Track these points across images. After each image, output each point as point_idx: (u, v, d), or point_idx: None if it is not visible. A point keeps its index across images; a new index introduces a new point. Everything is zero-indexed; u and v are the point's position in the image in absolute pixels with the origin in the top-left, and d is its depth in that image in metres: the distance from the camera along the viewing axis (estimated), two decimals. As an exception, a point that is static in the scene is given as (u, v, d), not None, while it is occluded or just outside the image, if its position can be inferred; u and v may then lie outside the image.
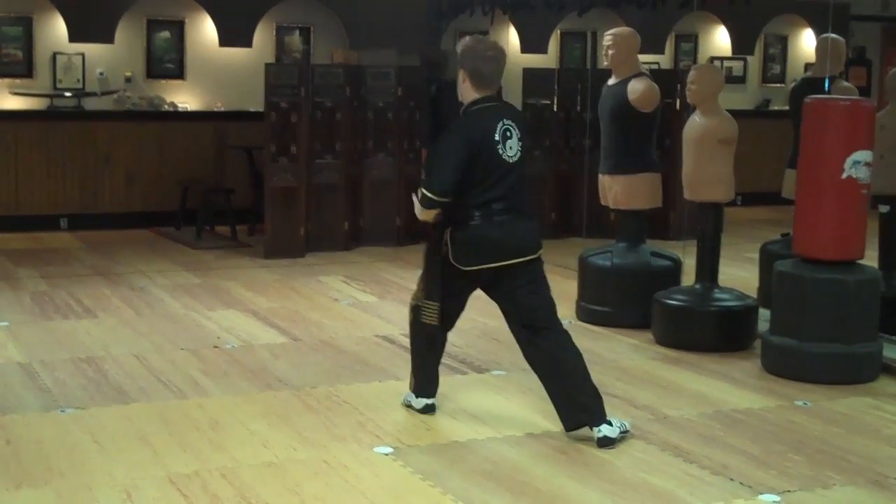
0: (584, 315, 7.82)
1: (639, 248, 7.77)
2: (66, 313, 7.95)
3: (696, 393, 6.23)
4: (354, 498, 4.63)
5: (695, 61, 14.71)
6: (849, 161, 6.34)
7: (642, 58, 8.30)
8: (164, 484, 4.72)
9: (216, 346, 7.06)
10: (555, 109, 11.81)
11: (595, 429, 5.25)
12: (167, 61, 12.63)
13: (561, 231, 11.52)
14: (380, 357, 6.90)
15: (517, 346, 7.10)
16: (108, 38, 12.21)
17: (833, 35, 8.00)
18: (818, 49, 8.30)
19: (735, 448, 5.30)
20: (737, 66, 15.41)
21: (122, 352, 6.88)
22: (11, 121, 11.55)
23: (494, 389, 6.23)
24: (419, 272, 9.64)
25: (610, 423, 5.27)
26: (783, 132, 9.05)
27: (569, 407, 5.32)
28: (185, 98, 12.58)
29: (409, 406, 5.77)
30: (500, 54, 5.43)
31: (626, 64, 7.70)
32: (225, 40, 12.70)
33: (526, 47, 14.11)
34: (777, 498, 4.70)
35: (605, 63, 7.94)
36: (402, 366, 6.62)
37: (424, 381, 5.75)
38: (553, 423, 5.58)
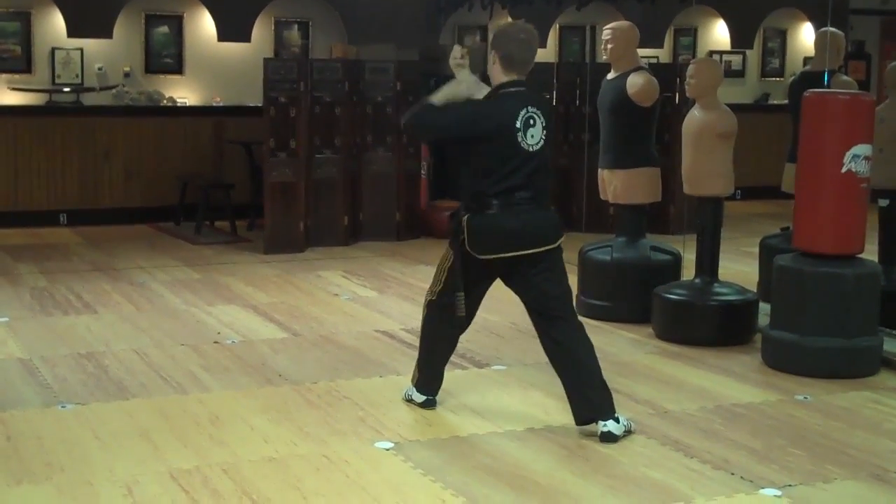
0: (584, 309, 7.80)
1: (638, 243, 7.77)
2: (66, 309, 7.95)
3: (697, 387, 6.24)
4: (355, 493, 4.63)
5: (694, 55, 14.71)
6: (848, 155, 6.33)
7: (641, 52, 8.30)
8: (164, 479, 4.72)
9: (216, 342, 7.06)
10: (554, 104, 11.80)
11: (601, 423, 5.25)
12: (166, 56, 12.62)
13: (560, 225, 11.49)
14: (380, 352, 6.90)
15: (517, 341, 7.14)
16: (106, 32, 12.20)
17: (832, 29, 7.99)
18: (817, 43, 8.29)
19: (736, 442, 5.31)
20: (736, 59, 15.41)
21: (122, 347, 6.88)
22: (10, 116, 11.54)
23: (495, 384, 6.23)
24: (419, 267, 9.71)
25: (617, 420, 5.25)
26: (782, 126, 9.06)
27: (578, 401, 5.32)
28: (183, 93, 12.58)
29: (409, 400, 5.77)
30: (532, 38, 5.43)
31: (626, 58, 7.70)
32: (223, 35, 12.69)
33: (525, 42, 14.07)
34: (778, 492, 4.70)
35: (604, 57, 7.93)
36: (403, 360, 6.63)
37: (430, 377, 5.73)
38: (554, 418, 5.59)
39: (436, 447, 5.19)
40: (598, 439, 5.24)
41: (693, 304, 7.16)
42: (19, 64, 12.04)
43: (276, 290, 8.72)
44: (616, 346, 7.08)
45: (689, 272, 7.60)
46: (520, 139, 5.26)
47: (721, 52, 15.15)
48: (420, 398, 5.73)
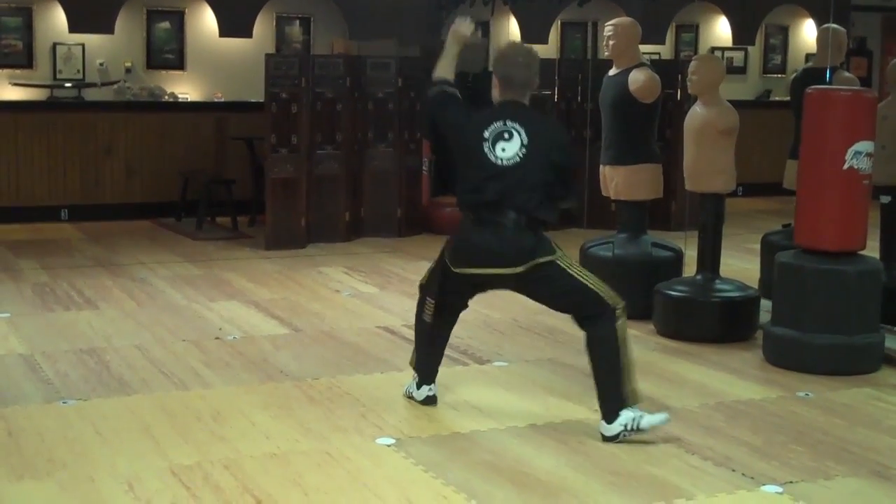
0: (586, 306, 7.81)
1: (640, 239, 7.76)
2: (68, 304, 7.95)
3: (698, 384, 6.23)
4: (356, 489, 4.63)
5: (696, 52, 14.70)
6: (850, 152, 6.33)
7: (643, 48, 8.29)
8: (166, 475, 4.72)
9: (217, 338, 7.06)
10: (555, 100, 11.80)
11: (602, 421, 5.25)
12: (167, 52, 12.63)
13: (562, 222, 11.47)
14: (381, 348, 6.90)
15: (518, 337, 7.14)
16: (108, 28, 12.21)
17: (834, 25, 7.99)
18: (819, 39, 8.29)
19: (737, 439, 5.31)
20: (738, 56, 15.40)
21: (123, 343, 6.88)
22: (11, 112, 11.54)
23: (496, 381, 6.23)
24: (420, 263, 9.70)
25: (610, 421, 5.19)
26: (784, 123, 9.05)
27: (598, 398, 5.30)
28: (185, 89, 12.58)
29: (410, 397, 5.77)
30: (531, 60, 5.38)
31: (627, 54, 7.69)
32: (225, 31, 12.70)
33: (526, 37, 14.08)
34: (779, 489, 4.70)
35: (606, 53, 7.93)
36: (404, 357, 6.61)
37: (422, 357, 5.75)
38: (555, 415, 5.59)
39: (437, 443, 5.19)
40: (598, 436, 5.23)
41: (694, 300, 7.16)
42: (21, 59, 12.06)
43: (277, 285, 8.72)
44: (617, 343, 7.06)
45: (690, 269, 7.60)
46: (486, 149, 5.21)
47: (723, 49, 15.14)
48: (420, 395, 5.72)
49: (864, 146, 6.35)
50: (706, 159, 7.14)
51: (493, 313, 7.32)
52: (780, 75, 15.62)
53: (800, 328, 6.45)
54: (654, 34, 14.17)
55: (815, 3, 15.03)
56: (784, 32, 15.79)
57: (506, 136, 5.22)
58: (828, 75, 7.57)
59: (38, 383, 6.04)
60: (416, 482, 4.72)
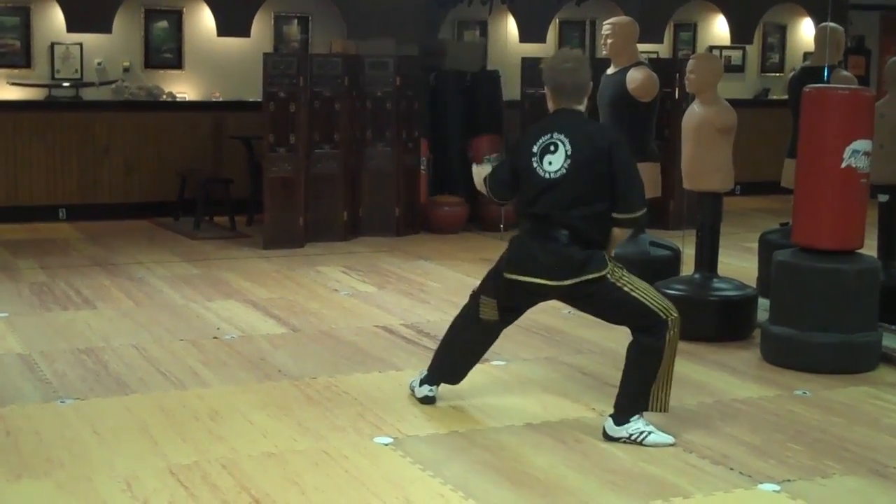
0: (584, 305, 7.81)
1: (638, 238, 7.76)
2: (66, 304, 7.95)
3: (696, 383, 6.23)
4: (354, 488, 4.63)
5: (693, 50, 14.70)
6: (848, 150, 6.33)
7: (641, 47, 8.30)
8: (163, 474, 4.72)
9: (215, 337, 7.06)
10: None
11: (609, 418, 5.24)
12: (165, 51, 12.62)
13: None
14: (379, 347, 6.90)
15: (515, 336, 7.13)
16: (106, 27, 12.20)
17: (832, 24, 7.99)
18: (817, 38, 8.29)
19: (735, 438, 5.31)
20: (736, 55, 15.40)
21: (121, 342, 6.88)
22: (9, 111, 11.52)
23: (494, 379, 6.23)
24: (418, 262, 9.72)
25: (620, 423, 5.17)
26: (782, 121, 9.05)
27: (619, 395, 5.27)
28: (183, 88, 12.58)
29: (411, 390, 5.77)
30: (579, 64, 5.30)
31: (625, 53, 7.69)
32: (223, 30, 12.69)
33: (524, 36, 14.10)
34: (777, 487, 4.71)
35: (604, 52, 7.93)
36: (402, 356, 6.63)
37: (438, 363, 5.72)
38: (552, 413, 5.59)
39: (435, 442, 5.19)
40: (596, 434, 5.23)
41: (692, 299, 7.15)
42: (19, 59, 12.05)
43: (275, 285, 8.72)
44: (615, 342, 7.03)
45: (688, 267, 7.60)
46: (535, 165, 5.20)
47: (721, 48, 15.14)
48: (420, 392, 5.72)
49: (862, 145, 6.35)
50: (704, 158, 7.14)
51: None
52: (778, 74, 15.62)
53: (798, 327, 6.45)
54: (652, 33, 14.17)
55: (814, 2, 15.03)
56: (782, 31, 15.79)
57: (552, 148, 5.18)
58: (826, 74, 7.57)
59: (36, 383, 6.04)
60: (414, 481, 4.72)
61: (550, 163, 5.17)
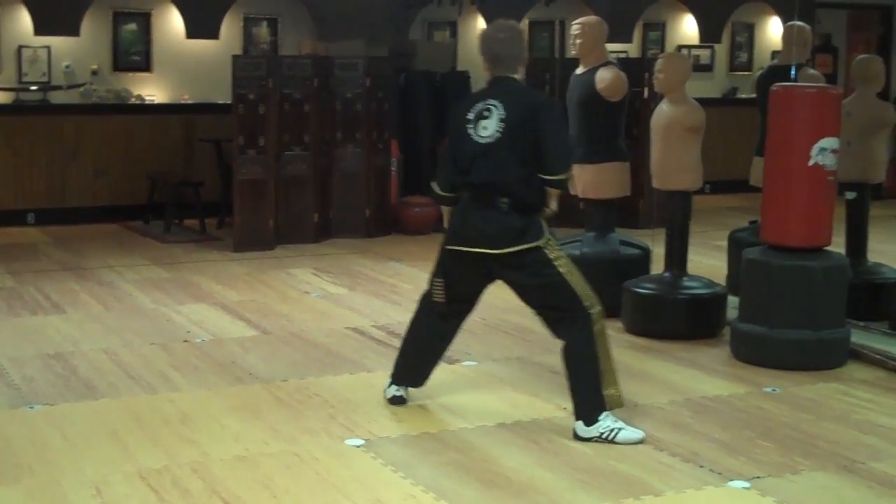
0: (555, 304, 7.82)
1: (608, 237, 7.78)
2: (34, 309, 7.90)
3: (666, 381, 6.26)
4: (326, 491, 4.63)
5: (662, 50, 14.73)
6: (815, 148, 6.37)
7: (610, 47, 8.31)
8: (134, 479, 4.70)
9: (186, 341, 7.03)
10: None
11: (575, 421, 5.25)
12: (134, 54, 12.54)
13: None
14: (350, 349, 6.89)
15: (486, 336, 7.14)
16: (73, 30, 12.11)
17: (799, 23, 8.03)
18: (784, 37, 8.34)
19: (705, 435, 5.33)
20: (704, 54, 15.45)
21: (90, 347, 6.85)
22: (-23, 115, 11.45)
23: (465, 380, 6.23)
24: (389, 263, 9.72)
25: (589, 423, 5.18)
26: (750, 120, 9.10)
27: (575, 403, 5.28)
28: (152, 91, 12.51)
29: (384, 392, 5.77)
30: (514, 35, 5.40)
31: (594, 53, 7.71)
32: (192, 32, 12.62)
33: (494, 37, 14.07)
34: (747, 484, 4.73)
35: (573, 52, 7.94)
36: (373, 357, 6.63)
37: (401, 363, 5.72)
38: (523, 413, 5.60)
39: (406, 443, 5.19)
40: (566, 434, 5.24)
41: (662, 297, 7.19)
42: (-15, 62, 11.95)
43: (246, 288, 8.70)
44: (586, 341, 7.08)
45: (658, 266, 7.62)
46: (469, 131, 5.23)
47: (689, 47, 15.19)
48: (388, 393, 5.72)
49: (830, 143, 6.40)
50: (673, 157, 7.17)
51: (463, 313, 7.32)
52: (746, 73, 15.68)
53: (767, 324, 6.49)
54: (621, 32, 14.20)
55: (781, 1, 15.10)
56: (750, 30, 15.86)
57: (485, 113, 5.22)
58: (793, 72, 7.61)
59: (5, 388, 6.00)
60: (386, 483, 4.72)
61: (485, 127, 5.20)
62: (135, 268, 9.41)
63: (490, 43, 5.38)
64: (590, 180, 7.69)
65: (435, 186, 5.54)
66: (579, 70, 7.80)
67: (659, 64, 7.34)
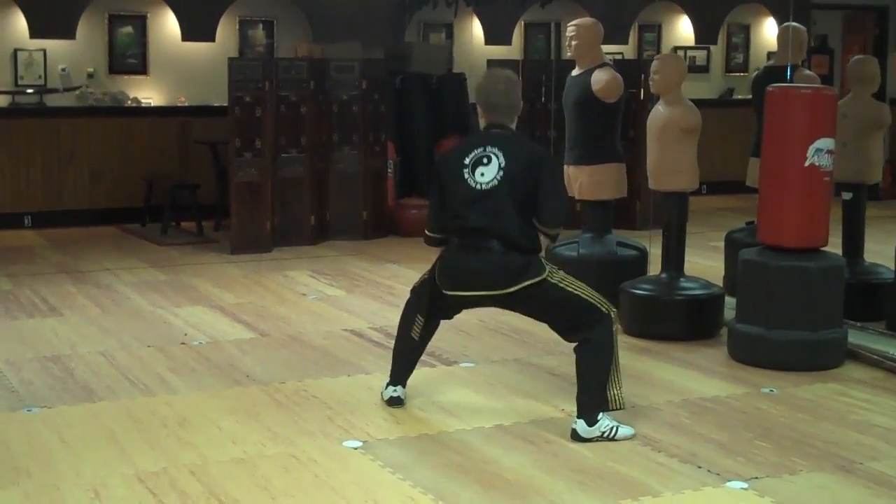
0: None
1: (605, 239, 7.79)
2: (32, 312, 7.89)
3: (664, 382, 6.26)
4: (324, 492, 4.63)
5: (658, 51, 14.75)
6: (811, 149, 6.38)
7: (606, 48, 8.32)
8: (132, 482, 4.70)
9: (183, 343, 7.03)
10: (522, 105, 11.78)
11: (576, 419, 5.25)
12: (130, 56, 12.54)
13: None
14: (348, 351, 6.89)
15: (484, 338, 7.14)
16: (69, 33, 12.11)
17: (795, 24, 8.04)
18: (780, 38, 8.34)
19: (702, 436, 5.34)
20: (700, 55, 15.47)
21: (88, 350, 6.84)
22: (-27, 119, 11.44)
23: (463, 382, 6.23)
24: (386, 265, 9.72)
25: (590, 423, 5.19)
26: (747, 121, 9.10)
27: (581, 399, 5.31)
28: (148, 93, 12.51)
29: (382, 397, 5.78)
30: (512, 86, 5.46)
31: (590, 54, 7.71)
32: (188, 35, 12.63)
33: (489, 39, 14.11)
34: (745, 485, 4.73)
35: (569, 54, 7.94)
36: (371, 359, 6.63)
37: (395, 369, 5.76)
38: (521, 415, 5.60)
39: (404, 445, 5.19)
40: (565, 435, 5.25)
41: (659, 298, 7.19)
42: (-19, 66, 11.95)
43: (243, 290, 8.70)
44: (583, 342, 7.09)
45: (655, 267, 7.63)
46: (466, 176, 5.25)
47: (685, 48, 15.21)
48: (386, 394, 5.73)
49: (825, 143, 6.40)
50: (669, 158, 7.18)
51: (460, 315, 7.30)
52: (742, 74, 15.70)
53: (764, 325, 6.50)
54: (616, 34, 14.21)
55: (777, 2, 15.12)
56: (746, 31, 15.88)
57: (484, 160, 5.26)
58: (789, 73, 7.62)
59: (2, 391, 6.00)
60: (384, 484, 4.72)
61: (483, 174, 5.24)
62: (132, 270, 9.40)
63: (487, 93, 5.43)
64: (586, 182, 7.70)
65: (427, 231, 5.57)
66: (575, 72, 7.80)
67: (655, 65, 7.35)
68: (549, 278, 5.27)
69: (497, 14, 13.75)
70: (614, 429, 5.21)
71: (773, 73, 7.97)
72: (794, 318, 6.43)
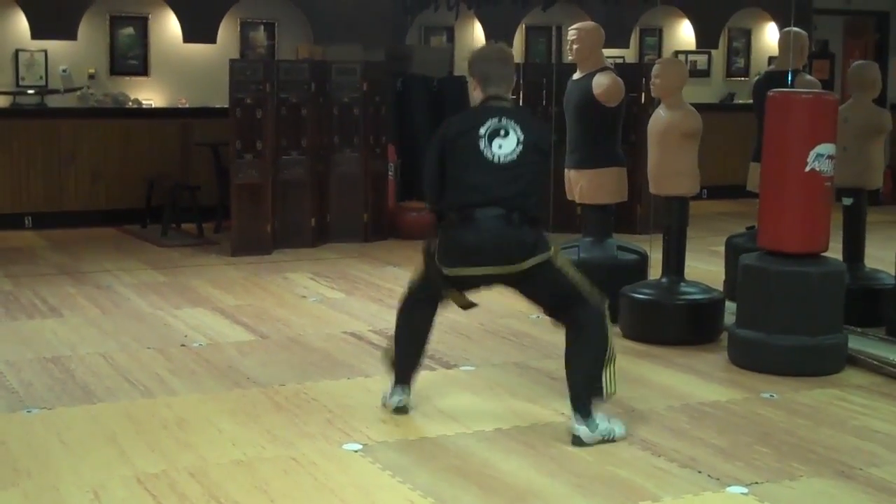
0: (552, 309, 7.82)
1: (605, 243, 7.78)
2: (32, 313, 7.89)
3: (664, 386, 6.26)
4: (323, 495, 4.63)
5: (659, 55, 14.76)
6: (812, 154, 6.38)
7: (607, 52, 8.32)
8: (131, 483, 4.70)
9: (183, 345, 7.03)
10: (520, 104, 11.80)
11: (574, 425, 5.24)
12: (131, 58, 12.55)
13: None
14: (348, 354, 6.89)
15: (485, 341, 7.15)
16: (70, 34, 12.12)
17: (796, 28, 8.04)
18: (781, 42, 8.34)
19: (702, 441, 5.33)
20: (701, 59, 15.48)
21: (88, 351, 6.84)
22: (-26, 119, 11.45)
23: (463, 385, 6.23)
24: (387, 268, 9.72)
25: (590, 427, 5.19)
26: (747, 126, 9.09)
27: (574, 389, 5.29)
28: (149, 95, 12.52)
29: (383, 404, 5.72)
30: (507, 57, 5.45)
31: (591, 58, 7.71)
32: (189, 36, 12.64)
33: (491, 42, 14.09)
34: (744, 490, 4.73)
35: (570, 57, 7.94)
36: (371, 362, 6.62)
37: (399, 362, 5.68)
38: (521, 418, 5.60)
39: (404, 448, 5.19)
40: (565, 439, 5.24)
41: (660, 303, 7.19)
42: (-18, 66, 11.96)
43: (243, 292, 8.70)
44: (583, 346, 7.08)
45: (655, 272, 7.63)
46: (482, 146, 5.19)
47: (686, 52, 15.22)
48: (392, 402, 5.65)
49: (826, 149, 6.40)
50: (670, 162, 7.18)
51: (460, 318, 7.30)
52: (743, 78, 15.71)
53: (764, 330, 6.49)
54: (617, 38, 14.22)
55: (778, 7, 15.12)
56: (747, 36, 15.89)
57: (501, 132, 5.22)
58: (789, 78, 7.62)
59: (3, 392, 6.00)
60: (383, 488, 4.72)
61: (501, 146, 5.20)
62: (132, 272, 9.41)
63: (483, 64, 5.39)
64: (587, 185, 7.70)
65: (430, 203, 5.49)
66: (576, 75, 7.80)
67: (656, 69, 7.35)
68: (553, 260, 5.24)
69: (498, 17, 13.76)
70: (612, 432, 5.23)
71: (774, 77, 7.96)
72: (794, 324, 6.43)
